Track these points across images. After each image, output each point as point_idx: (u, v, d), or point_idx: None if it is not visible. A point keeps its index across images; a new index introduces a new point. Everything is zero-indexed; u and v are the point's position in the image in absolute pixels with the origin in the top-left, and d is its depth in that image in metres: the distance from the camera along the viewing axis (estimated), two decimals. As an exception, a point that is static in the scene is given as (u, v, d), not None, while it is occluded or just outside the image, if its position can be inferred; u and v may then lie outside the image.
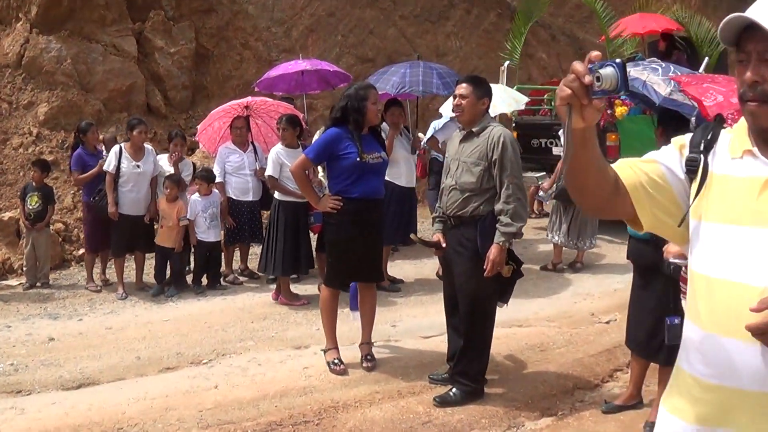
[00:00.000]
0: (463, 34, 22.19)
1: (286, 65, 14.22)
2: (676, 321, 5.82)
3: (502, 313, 7.71)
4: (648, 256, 6.39)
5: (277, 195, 10.43)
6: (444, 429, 6.77)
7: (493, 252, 6.82)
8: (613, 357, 8.56)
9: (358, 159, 7.60)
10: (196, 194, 11.31)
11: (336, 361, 8.06)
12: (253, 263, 12.49)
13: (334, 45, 19.54)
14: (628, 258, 7.00)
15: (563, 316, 10.07)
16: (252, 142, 11.99)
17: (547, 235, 12.86)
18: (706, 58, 16.10)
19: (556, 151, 15.26)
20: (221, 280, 11.73)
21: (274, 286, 11.04)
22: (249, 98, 12.26)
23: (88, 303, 10.96)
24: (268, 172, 10.35)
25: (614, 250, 13.61)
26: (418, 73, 11.73)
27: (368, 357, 8.18)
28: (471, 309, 7.15)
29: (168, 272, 11.37)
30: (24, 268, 12.04)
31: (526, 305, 10.40)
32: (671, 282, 5.96)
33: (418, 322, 9.80)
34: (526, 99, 14.94)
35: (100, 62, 16.54)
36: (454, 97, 7.22)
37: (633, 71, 9.17)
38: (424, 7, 21.58)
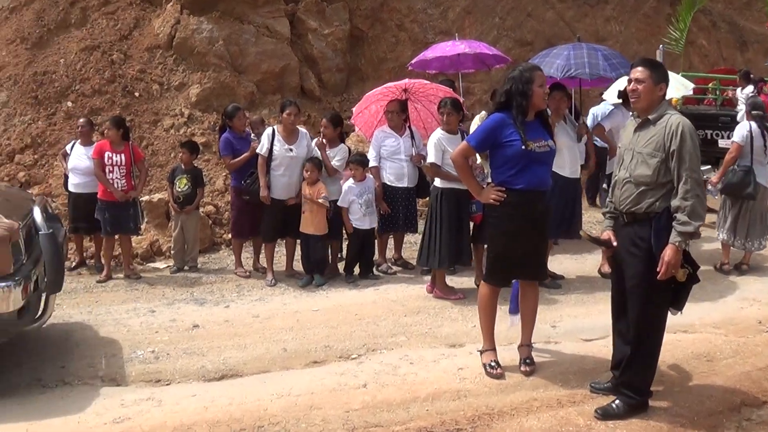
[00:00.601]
0: (623, 18, 21.59)
1: (444, 46, 13.78)
2: None
3: (672, 319, 6.99)
4: None
5: (438, 183, 9.90)
6: (605, 444, 6.21)
7: (668, 253, 6.15)
8: (783, 371, 7.80)
9: (522, 147, 6.96)
10: (351, 180, 10.86)
11: (493, 363, 7.50)
12: (407, 253, 12.09)
13: (492, 27, 19.00)
14: None
15: (729, 323, 9.27)
16: (409, 127, 11.49)
17: (717, 234, 12.03)
18: None
19: (722, 143, 14.62)
20: (374, 269, 11.30)
21: (428, 278, 10.51)
22: (407, 80, 11.68)
23: (235, 289, 10.70)
24: (431, 158, 9.86)
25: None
26: (582, 55, 11.08)
27: (527, 361, 7.58)
28: (641, 315, 6.51)
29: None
30: (172, 251, 11.85)
31: (691, 309, 9.34)
32: None
33: (579, 323, 9.13)
34: (692, 85, 14.17)
35: (253, 44, 16.36)
36: (629, 82, 6.58)
37: None
38: None
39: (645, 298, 6.44)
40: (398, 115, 11.25)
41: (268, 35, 16.53)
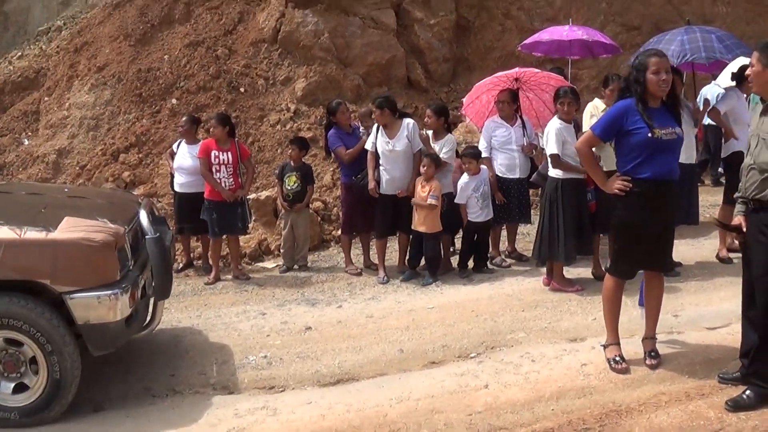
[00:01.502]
0: None
1: (561, 30, 13.41)
2: None
3: None
4: None
5: (555, 173, 9.59)
6: (737, 437, 5.87)
7: None
8: None
9: (649, 135, 6.70)
10: (465, 175, 10.58)
11: (617, 358, 7.20)
12: (520, 245, 11.77)
13: (598, 13, 18.44)
14: None
15: None
16: (520, 116, 11.16)
17: None
18: None
19: None
20: (488, 263, 10.95)
21: (544, 270, 10.18)
22: (517, 69, 11.34)
23: (347, 287, 10.47)
24: (552, 149, 9.54)
25: None
26: (696, 39, 10.66)
27: (652, 353, 7.28)
28: None
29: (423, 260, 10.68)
30: (281, 250, 11.63)
31: None
32: None
33: (701, 311, 8.75)
34: None
35: (359, 36, 16.09)
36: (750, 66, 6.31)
37: None
38: None
39: None
40: (509, 104, 10.97)
41: (374, 27, 16.25)
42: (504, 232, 11.65)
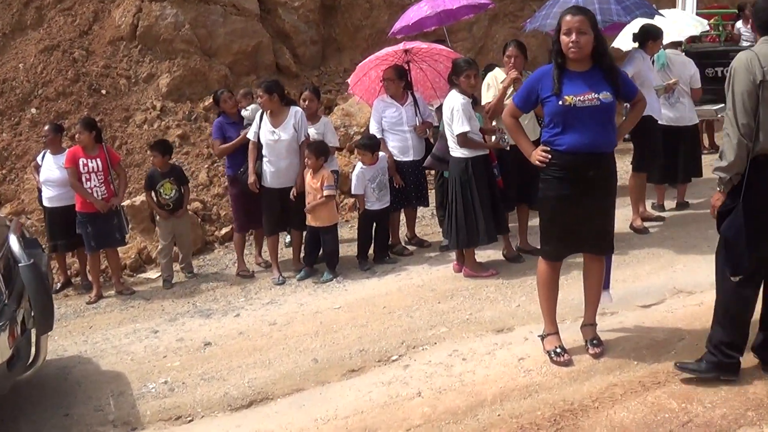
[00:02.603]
0: None
1: (421, 7, 12.45)
2: None
3: None
4: None
5: (462, 153, 8.99)
6: (708, 429, 5.42)
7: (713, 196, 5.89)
8: None
9: (560, 102, 6.15)
10: (359, 165, 9.99)
11: (558, 349, 6.67)
12: (420, 229, 11.23)
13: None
14: None
15: None
16: (411, 93, 10.55)
17: None
18: None
19: None
20: (389, 252, 10.34)
21: (452, 255, 9.67)
22: (404, 43, 10.72)
23: (242, 293, 9.67)
24: (462, 128, 8.87)
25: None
26: (592, 1, 9.92)
27: (594, 342, 6.78)
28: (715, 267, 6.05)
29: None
30: (160, 262, 10.72)
31: None
32: None
33: (629, 288, 8.28)
34: (706, 21, 13.99)
35: (221, 24, 15.28)
36: None
37: None
38: None
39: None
40: (395, 82, 10.37)
41: (236, 14, 15.46)
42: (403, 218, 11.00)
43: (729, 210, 5.73)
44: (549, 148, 6.34)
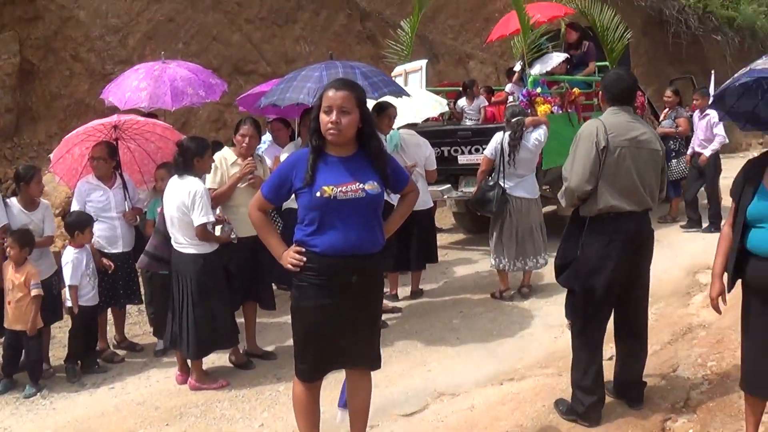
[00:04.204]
0: (312, 38, 20.39)
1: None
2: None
3: (488, 366, 7.62)
4: None
5: (197, 248, 7.84)
6: None
7: None
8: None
9: (318, 194, 5.15)
10: (69, 249, 8.52)
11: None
12: (127, 329, 9.93)
13: (175, 53, 16.78)
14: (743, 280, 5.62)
15: (554, 359, 8.14)
16: (120, 175, 9.33)
17: (491, 260, 10.98)
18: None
19: (462, 159, 13.69)
20: (97, 359, 8.89)
21: (170, 361, 8.56)
22: (116, 117, 9.42)
23: None
24: (203, 217, 7.66)
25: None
26: (338, 75, 8.98)
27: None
28: None
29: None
30: None
31: (501, 350, 8.67)
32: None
33: (386, 395, 7.42)
34: (445, 101, 13.83)
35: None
36: None
37: None
38: (270, 9, 19.50)
39: None
40: (108, 162, 9.11)
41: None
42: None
43: (567, 264, 6.50)
44: (304, 249, 5.28)
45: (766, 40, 39.12)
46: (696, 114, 15.17)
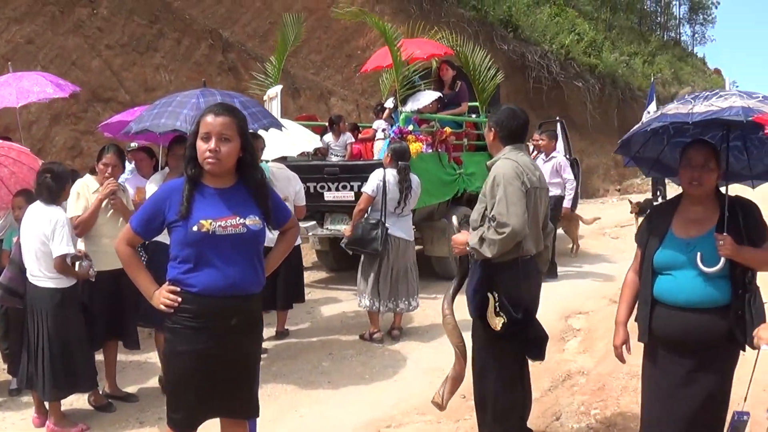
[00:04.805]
0: (173, 67, 20.10)
1: None
2: (745, 418, 4.69)
3: (364, 412, 7.39)
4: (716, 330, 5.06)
5: (56, 282, 7.28)
6: None
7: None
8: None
9: (194, 228, 4.73)
10: None
11: None
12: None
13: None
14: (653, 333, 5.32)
15: (432, 405, 7.31)
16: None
17: (359, 301, 10.62)
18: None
19: (329, 196, 13.38)
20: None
21: (27, 401, 7.94)
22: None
23: None
24: (67, 248, 7.17)
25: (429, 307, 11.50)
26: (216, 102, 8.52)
27: None
28: None
29: None
30: None
31: (376, 395, 8.33)
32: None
33: None
34: (317, 137, 13.79)
35: None
36: None
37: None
38: (131, 36, 19.10)
39: None
40: None
41: None
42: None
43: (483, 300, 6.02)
44: (178, 289, 4.83)
45: (626, 89, 40.08)
46: (541, 157, 14.61)
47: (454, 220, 6.24)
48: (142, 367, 9.15)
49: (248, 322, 4.99)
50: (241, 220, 4.80)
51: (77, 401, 7.99)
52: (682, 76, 59.98)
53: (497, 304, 5.91)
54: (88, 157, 15.26)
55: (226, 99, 8.47)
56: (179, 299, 4.77)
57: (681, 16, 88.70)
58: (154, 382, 8.67)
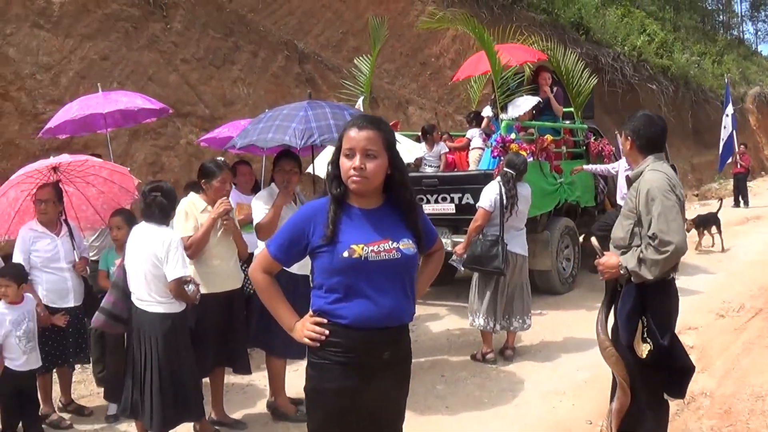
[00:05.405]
0: (251, 80, 19.73)
1: (94, 101, 10.63)
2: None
3: None
4: None
5: (168, 307, 6.96)
6: None
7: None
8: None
9: (344, 254, 4.20)
10: (1, 303, 7.49)
11: None
12: (75, 390, 8.97)
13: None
14: None
15: (559, 430, 7.36)
16: (65, 221, 8.39)
17: (470, 319, 10.12)
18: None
19: (427, 209, 12.67)
20: (41, 426, 7.84)
21: (124, 430, 7.74)
22: (53, 158, 8.42)
23: None
24: (182, 270, 6.83)
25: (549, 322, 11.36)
26: (326, 116, 8.03)
27: None
28: None
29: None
30: None
31: (498, 422, 7.88)
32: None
33: None
34: (420, 145, 13.58)
35: None
36: None
37: None
38: (207, 49, 18.82)
39: None
40: (54, 205, 8.19)
41: None
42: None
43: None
44: (325, 321, 4.30)
45: (699, 90, 39.34)
46: (621, 162, 13.29)
47: (594, 241, 5.65)
48: (246, 390, 8.85)
49: (401, 355, 4.50)
50: (395, 245, 4.29)
51: (182, 428, 7.52)
52: (749, 75, 58.82)
53: (645, 329, 5.58)
54: (169, 173, 15.07)
55: (336, 111, 8.13)
56: (326, 332, 4.26)
57: (743, 14, 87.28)
58: (261, 407, 8.36)
